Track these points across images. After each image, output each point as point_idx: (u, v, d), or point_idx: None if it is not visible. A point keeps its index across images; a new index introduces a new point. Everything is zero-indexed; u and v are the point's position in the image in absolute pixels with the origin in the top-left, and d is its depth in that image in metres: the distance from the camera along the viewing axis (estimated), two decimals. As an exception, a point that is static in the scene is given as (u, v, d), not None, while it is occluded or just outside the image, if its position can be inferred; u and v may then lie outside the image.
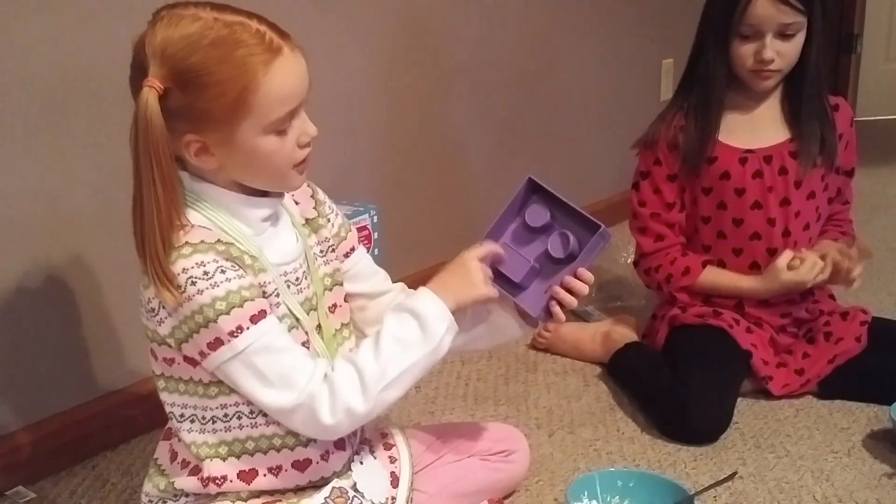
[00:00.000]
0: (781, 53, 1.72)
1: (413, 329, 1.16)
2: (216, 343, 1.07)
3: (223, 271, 1.07)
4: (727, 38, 1.75)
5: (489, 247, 1.25)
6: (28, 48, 1.48)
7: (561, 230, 1.26)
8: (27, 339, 1.55)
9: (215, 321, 1.06)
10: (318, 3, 1.93)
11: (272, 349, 1.09)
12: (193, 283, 1.05)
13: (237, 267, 1.09)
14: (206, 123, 1.06)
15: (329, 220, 1.28)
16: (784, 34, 1.71)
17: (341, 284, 1.27)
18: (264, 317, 1.09)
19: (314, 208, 1.27)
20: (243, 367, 1.09)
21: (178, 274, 1.05)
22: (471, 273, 1.21)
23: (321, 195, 1.29)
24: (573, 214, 1.26)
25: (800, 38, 1.73)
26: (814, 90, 1.78)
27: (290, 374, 1.10)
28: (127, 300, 1.64)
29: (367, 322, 1.31)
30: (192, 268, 1.06)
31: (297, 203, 1.25)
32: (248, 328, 1.07)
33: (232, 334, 1.07)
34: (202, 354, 1.09)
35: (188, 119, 1.06)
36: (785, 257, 1.77)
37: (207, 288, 1.05)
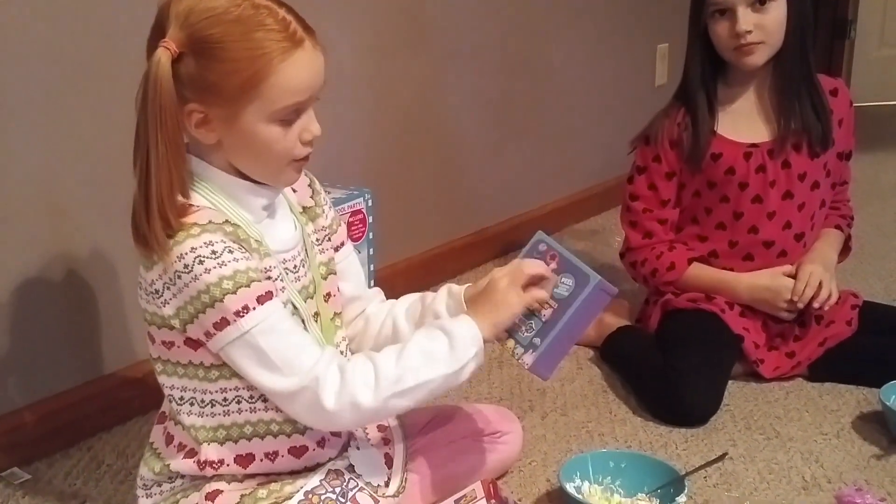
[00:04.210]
0: (760, 25, 1.71)
1: (441, 346, 1.14)
2: (222, 323, 1.07)
3: (231, 251, 1.07)
4: (705, 23, 1.75)
5: (518, 267, 1.23)
6: (28, 36, 1.48)
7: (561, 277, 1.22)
8: (22, 322, 1.55)
9: (221, 300, 1.06)
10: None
11: (278, 331, 1.09)
12: (201, 262, 1.05)
13: (244, 249, 1.09)
14: (213, 97, 1.07)
15: (324, 211, 1.29)
16: (758, 4, 1.71)
17: (335, 274, 1.28)
18: (271, 298, 1.09)
19: (311, 197, 1.28)
20: (248, 348, 1.08)
21: (186, 254, 1.05)
22: (502, 294, 1.19)
23: (318, 185, 1.30)
24: (573, 267, 1.22)
25: (778, 9, 1.72)
26: (797, 70, 1.76)
27: (295, 356, 1.10)
28: (124, 283, 1.66)
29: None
30: (201, 247, 1.06)
31: (294, 191, 1.26)
32: (254, 308, 1.07)
33: (238, 314, 1.06)
34: (208, 335, 1.08)
35: (196, 89, 1.06)
36: (790, 269, 1.80)
37: (215, 267, 1.05)
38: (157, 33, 1.06)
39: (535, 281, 1.22)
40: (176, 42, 1.04)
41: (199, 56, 1.05)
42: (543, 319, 1.21)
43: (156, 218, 1.06)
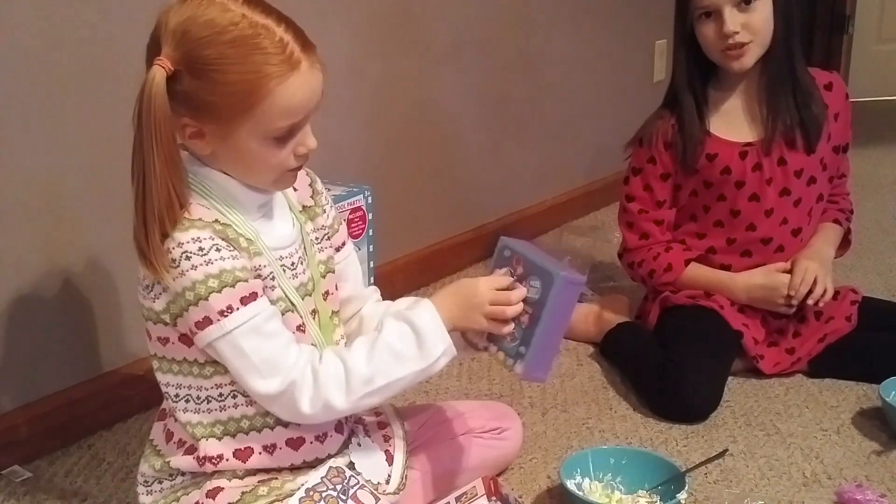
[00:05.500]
0: (747, 25, 1.70)
1: (410, 344, 1.15)
2: (205, 322, 1.07)
3: (218, 249, 1.07)
4: (691, 25, 1.75)
5: (504, 280, 1.21)
6: (28, 38, 1.47)
7: (529, 281, 1.21)
8: (22, 321, 1.55)
9: (206, 299, 1.06)
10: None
11: (261, 333, 1.10)
12: (188, 259, 1.06)
13: (232, 248, 1.09)
14: (207, 115, 1.06)
15: (325, 211, 1.29)
16: (743, 4, 1.70)
17: (334, 272, 1.28)
18: (255, 299, 1.10)
19: (311, 197, 1.27)
20: (231, 347, 1.09)
21: (174, 248, 1.06)
22: (477, 302, 1.18)
23: (319, 185, 1.29)
24: (537, 268, 1.20)
25: (764, 8, 1.71)
26: (785, 68, 1.75)
27: (276, 360, 1.10)
28: (124, 281, 1.66)
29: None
30: (188, 242, 1.06)
31: (295, 190, 1.25)
32: (237, 308, 1.08)
33: (222, 314, 1.07)
34: (192, 332, 1.09)
35: (190, 106, 1.06)
36: (784, 266, 1.80)
37: (202, 264, 1.06)
38: (155, 45, 1.06)
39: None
40: (171, 60, 1.04)
41: (194, 75, 1.04)
42: (523, 327, 1.21)
43: (155, 234, 1.06)
